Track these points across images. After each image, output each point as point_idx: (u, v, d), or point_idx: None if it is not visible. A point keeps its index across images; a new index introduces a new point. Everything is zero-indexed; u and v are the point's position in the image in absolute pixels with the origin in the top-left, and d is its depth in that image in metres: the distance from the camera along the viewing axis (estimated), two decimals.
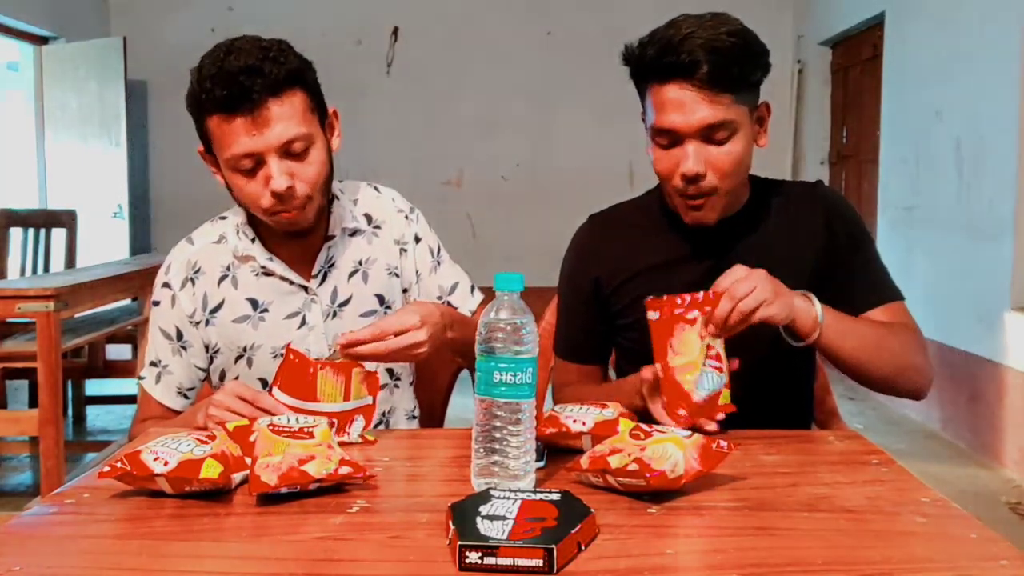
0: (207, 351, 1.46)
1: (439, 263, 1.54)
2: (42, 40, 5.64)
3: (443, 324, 1.32)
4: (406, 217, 1.53)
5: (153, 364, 1.46)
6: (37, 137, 5.73)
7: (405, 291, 1.52)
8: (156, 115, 6.18)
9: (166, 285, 1.45)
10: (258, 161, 1.29)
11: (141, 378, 1.48)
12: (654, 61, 1.27)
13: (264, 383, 1.41)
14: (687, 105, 1.26)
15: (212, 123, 1.29)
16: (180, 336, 1.45)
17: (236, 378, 1.43)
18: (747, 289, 1.19)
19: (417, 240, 1.52)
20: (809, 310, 1.24)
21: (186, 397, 1.47)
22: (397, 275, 1.50)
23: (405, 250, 1.51)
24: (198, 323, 1.44)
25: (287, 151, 1.29)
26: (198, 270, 1.44)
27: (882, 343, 1.32)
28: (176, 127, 6.75)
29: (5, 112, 6.48)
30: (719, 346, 1.22)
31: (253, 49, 1.27)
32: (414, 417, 1.57)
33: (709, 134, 1.27)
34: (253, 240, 1.43)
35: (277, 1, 5.99)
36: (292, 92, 1.29)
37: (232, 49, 1.27)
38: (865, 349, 1.30)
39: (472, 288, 1.56)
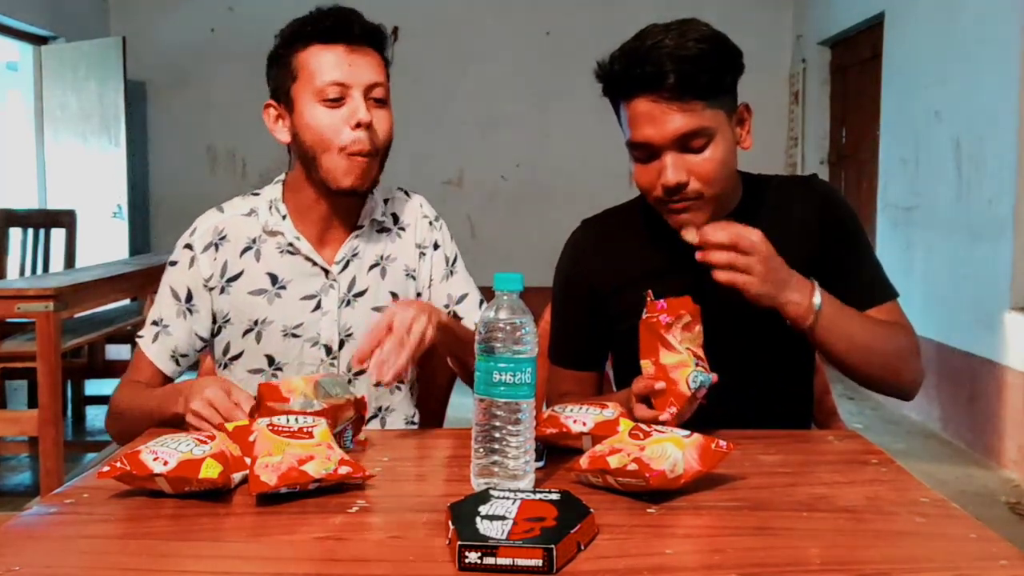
0: (214, 321, 1.47)
1: (452, 272, 1.55)
2: (42, 40, 5.64)
3: (429, 306, 1.33)
4: (431, 223, 1.55)
5: (155, 323, 1.47)
6: (36, 137, 5.73)
7: (419, 295, 1.53)
8: (156, 115, 6.16)
9: (188, 246, 1.46)
10: (342, 96, 1.37)
11: (139, 336, 1.48)
12: (621, 75, 1.28)
13: (271, 360, 1.45)
14: (658, 116, 1.25)
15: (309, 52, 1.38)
16: (190, 298, 1.46)
17: (241, 353, 1.46)
18: (748, 247, 1.20)
19: (436, 247, 1.54)
20: (802, 301, 1.23)
21: (178, 363, 1.47)
22: (413, 278, 1.53)
23: (424, 254, 1.54)
24: (212, 289, 1.45)
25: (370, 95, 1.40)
26: (224, 236, 1.46)
27: (876, 343, 1.31)
28: (176, 127, 6.81)
29: (5, 112, 6.48)
30: (698, 349, 1.21)
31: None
32: (413, 423, 1.57)
33: (685, 143, 1.26)
34: (284, 217, 1.45)
35: (277, 1, 5.98)
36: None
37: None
38: (859, 347, 1.29)
39: (481, 302, 1.55)
